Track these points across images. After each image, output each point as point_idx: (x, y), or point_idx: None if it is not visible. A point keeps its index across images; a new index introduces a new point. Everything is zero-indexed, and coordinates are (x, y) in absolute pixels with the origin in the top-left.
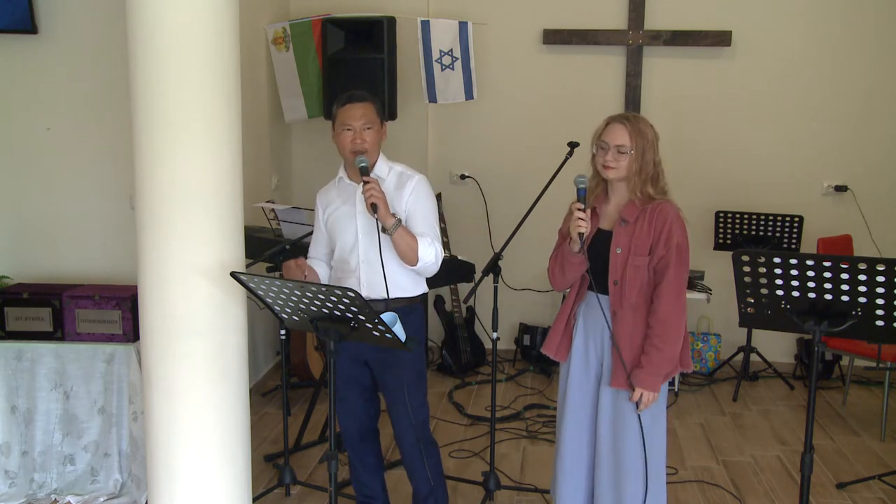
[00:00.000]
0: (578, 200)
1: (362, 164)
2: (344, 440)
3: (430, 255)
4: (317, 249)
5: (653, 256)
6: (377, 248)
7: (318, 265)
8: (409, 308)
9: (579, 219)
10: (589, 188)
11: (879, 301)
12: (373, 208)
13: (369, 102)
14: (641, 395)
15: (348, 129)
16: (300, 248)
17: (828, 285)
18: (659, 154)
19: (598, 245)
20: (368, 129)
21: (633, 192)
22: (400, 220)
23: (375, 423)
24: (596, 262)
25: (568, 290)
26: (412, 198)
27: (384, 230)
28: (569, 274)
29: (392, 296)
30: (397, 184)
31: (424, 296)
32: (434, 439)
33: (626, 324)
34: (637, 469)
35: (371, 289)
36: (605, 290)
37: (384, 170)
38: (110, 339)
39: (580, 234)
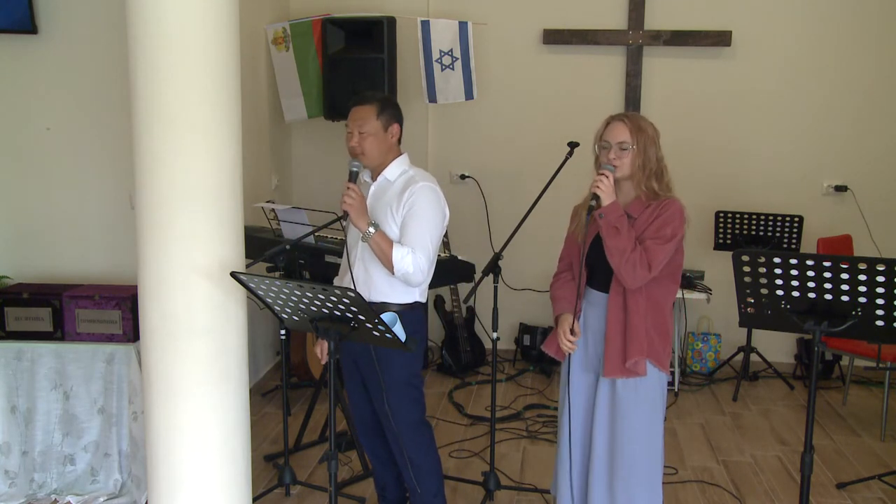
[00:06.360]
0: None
1: (351, 169)
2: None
3: (406, 265)
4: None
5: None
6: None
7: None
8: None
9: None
10: None
11: (879, 301)
12: (345, 215)
13: (371, 105)
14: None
15: (349, 131)
16: (300, 248)
17: (828, 285)
18: (661, 150)
19: (601, 243)
20: (363, 133)
21: (637, 186)
22: (374, 229)
23: (379, 418)
24: (597, 259)
25: None
26: (407, 205)
27: (362, 237)
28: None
29: (376, 299)
30: (402, 188)
31: (416, 304)
32: (424, 446)
33: (617, 310)
34: (632, 466)
35: (359, 287)
36: (605, 288)
37: (395, 172)
38: (110, 339)
39: (596, 198)
